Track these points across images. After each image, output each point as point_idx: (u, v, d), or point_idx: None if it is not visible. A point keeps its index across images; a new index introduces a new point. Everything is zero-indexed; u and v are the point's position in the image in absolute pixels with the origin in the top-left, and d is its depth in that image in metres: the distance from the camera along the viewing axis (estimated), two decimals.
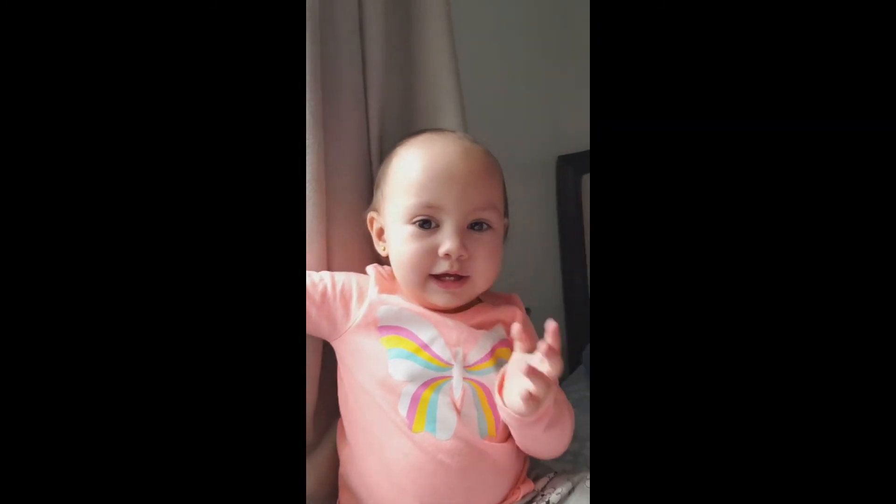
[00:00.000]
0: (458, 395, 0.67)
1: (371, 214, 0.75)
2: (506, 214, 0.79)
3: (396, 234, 0.69)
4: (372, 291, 0.72)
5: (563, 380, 1.40)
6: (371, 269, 0.76)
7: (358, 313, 0.70)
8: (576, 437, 0.99)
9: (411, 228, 0.68)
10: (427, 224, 0.67)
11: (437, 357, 0.69)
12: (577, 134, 1.62)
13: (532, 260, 1.55)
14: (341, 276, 0.73)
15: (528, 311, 1.15)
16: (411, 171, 0.69)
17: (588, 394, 1.22)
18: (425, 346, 0.69)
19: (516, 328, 0.65)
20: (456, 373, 0.68)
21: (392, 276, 0.76)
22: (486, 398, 0.69)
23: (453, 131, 0.80)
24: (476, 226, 0.69)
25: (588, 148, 1.67)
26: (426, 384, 0.67)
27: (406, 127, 0.88)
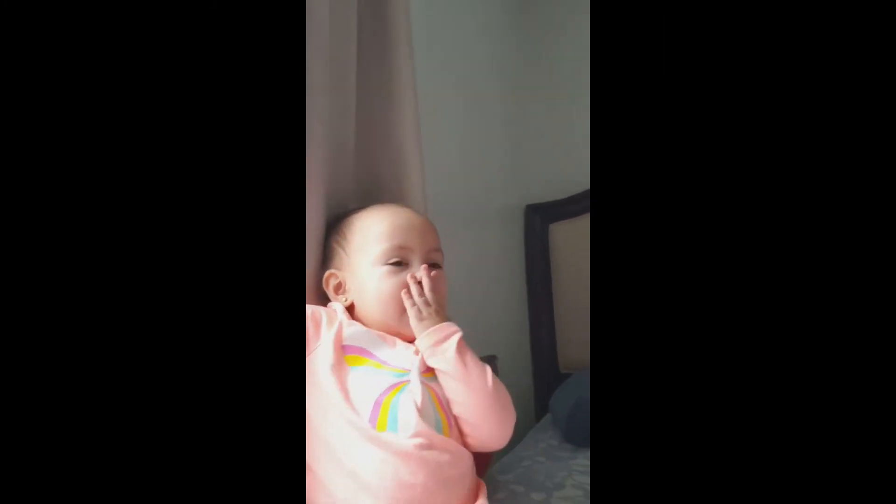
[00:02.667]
0: (418, 397, 0.74)
1: (330, 272, 0.86)
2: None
3: (371, 277, 0.82)
4: (341, 315, 0.82)
5: (530, 428, 1.40)
6: (335, 304, 0.87)
7: (328, 335, 0.78)
8: (542, 488, 0.99)
9: (387, 268, 0.82)
10: (399, 264, 0.82)
11: (396, 367, 0.78)
12: (544, 184, 1.67)
13: (499, 307, 1.56)
14: (311, 306, 0.84)
15: (494, 357, 1.15)
16: (381, 224, 0.85)
17: (555, 443, 1.22)
18: (384, 362, 0.78)
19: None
20: (414, 377, 0.76)
21: (351, 318, 0.86)
22: (438, 401, 0.77)
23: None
24: (432, 265, 0.84)
25: (555, 198, 1.70)
26: (388, 390, 0.75)
27: (369, 194, 0.96)
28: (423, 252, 0.83)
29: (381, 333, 0.81)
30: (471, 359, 0.77)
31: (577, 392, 1.23)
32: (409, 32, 0.94)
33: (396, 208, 0.88)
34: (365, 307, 0.83)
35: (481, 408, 0.77)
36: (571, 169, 1.59)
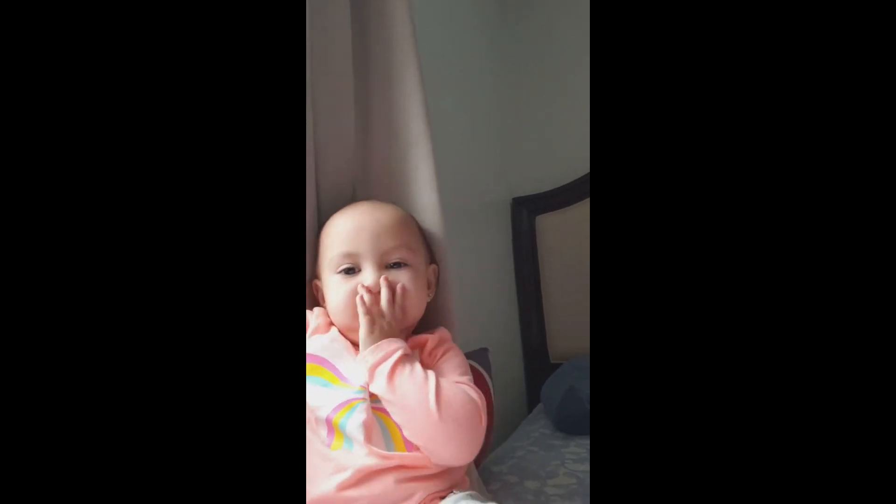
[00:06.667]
0: (365, 416, 0.72)
1: (314, 281, 0.85)
2: (433, 261, 0.86)
3: (329, 285, 0.80)
4: (314, 322, 0.81)
5: (522, 418, 1.42)
6: (317, 308, 0.86)
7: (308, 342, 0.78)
8: (536, 476, 1.00)
9: (338, 276, 0.79)
10: (350, 271, 0.78)
11: (353, 383, 0.75)
12: (530, 178, 1.68)
13: (490, 299, 1.57)
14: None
15: (486, 350, 1.16)
16: (331, 230, 0.82)
17: (548, 432, 1.23)
18: (343, 378, 0.75)
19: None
20: (367, 396, 0.73)
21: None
22: (392, 423, 0.73)
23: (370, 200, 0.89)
24: (394, 266, 0.79)
25: (540, 191, 1.71)
26: (338, 408, 0.73)
27: (373, 188, 0.91)
28: (377, 254, 0.77)
29: (349, 344, 0.78)
30: (407, 382, 0.71)
31: (567, 381, 1.24)
32: (412, 14, 0.88)
33: (353, 210, 0.83)
34: (331, 317, 0.80)
35: (427, 431, 0.70)
36: (556, 162, 1.60)
